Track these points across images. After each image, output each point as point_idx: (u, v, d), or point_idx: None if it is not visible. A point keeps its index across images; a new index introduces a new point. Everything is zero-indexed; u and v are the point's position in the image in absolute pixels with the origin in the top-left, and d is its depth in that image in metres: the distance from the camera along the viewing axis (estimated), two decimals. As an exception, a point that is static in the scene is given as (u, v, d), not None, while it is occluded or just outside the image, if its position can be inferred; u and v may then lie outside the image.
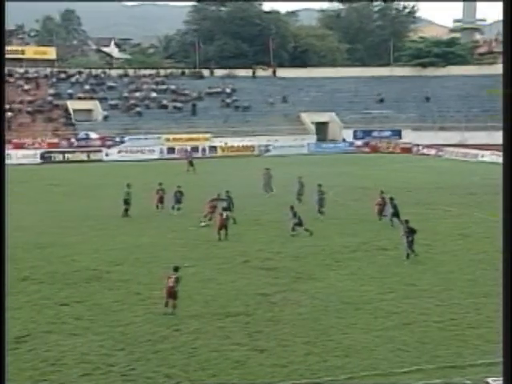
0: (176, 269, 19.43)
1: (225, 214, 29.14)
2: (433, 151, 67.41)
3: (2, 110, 14.04)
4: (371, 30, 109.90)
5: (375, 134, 74.09)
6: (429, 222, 31.96)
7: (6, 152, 61.35)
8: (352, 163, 58.30)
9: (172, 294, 18.97)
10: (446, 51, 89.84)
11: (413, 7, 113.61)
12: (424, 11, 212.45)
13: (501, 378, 14.28)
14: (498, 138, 68.91)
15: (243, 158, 63.19)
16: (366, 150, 70.55)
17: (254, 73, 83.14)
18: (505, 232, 11.84)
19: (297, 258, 25.18)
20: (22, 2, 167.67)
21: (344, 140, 73.52)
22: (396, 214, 29.98)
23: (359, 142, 72.28)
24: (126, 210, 33.52)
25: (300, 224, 28.79)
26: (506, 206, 11.66)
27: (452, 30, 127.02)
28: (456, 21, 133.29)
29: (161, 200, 34.93)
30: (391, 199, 30.92)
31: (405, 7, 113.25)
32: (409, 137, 72.97)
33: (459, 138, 72.44)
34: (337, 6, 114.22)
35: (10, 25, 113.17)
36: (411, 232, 24.68)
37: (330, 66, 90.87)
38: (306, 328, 17.88)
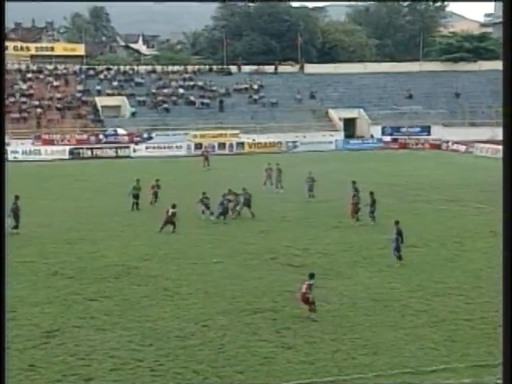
0: (312, 276, 18.66)
1: (171, 211, 29.12)
2: (463, 147, 66.64)
3: (1, 110, 14.07)
4: (401, 25, 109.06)
5: (404, 130, 73.44)
6: (459, 219, 31.71)
7: (37, 148, 62.32)
8: (380, 160, 57.91)
9: (306, 300, 18.32)
10: (477, 46, 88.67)
11: (443, 2, 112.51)
12: (454, 6, 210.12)
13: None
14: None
15: (270, 155, 63.09)
16: (395, 146, 69.91)
17: (276, 69, 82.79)
18: (505, 230, 11.66)
19: (325, 255, 25.09)
20: (51, 2, 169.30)
21: (372, 136, 73.02)
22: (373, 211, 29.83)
23: (387, 139, 71.64)
24: (137, 204, 34.04)
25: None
26: (506, 203, 11.49)
27: (483, 25, 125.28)
28: (487, 15, 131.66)
29: (155, 195, 35.32)
30: (371, 194, 30.48)
31: (434, 2, 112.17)
32: (438, 133, 72.22)
33: (490, 133, 71.49)
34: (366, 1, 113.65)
35: (40, 22, 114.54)
36: (400, 234, 23.68)
37: (359, 61, 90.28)
38: (333, 325, 17.83)
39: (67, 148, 62.96)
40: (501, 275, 21.79)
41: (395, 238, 23.69)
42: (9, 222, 28.37)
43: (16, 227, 28.56)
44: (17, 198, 29.13)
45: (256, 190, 35.31)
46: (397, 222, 24.13)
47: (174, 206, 29.64)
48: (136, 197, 34.38)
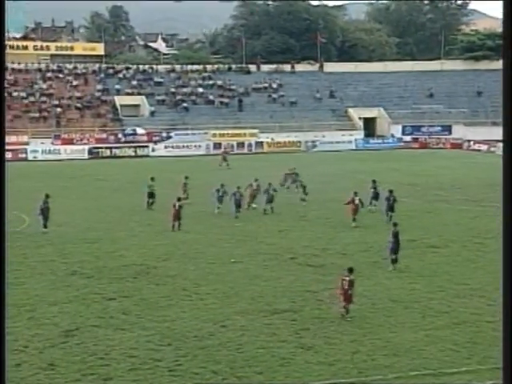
0: (350, 270, 18.52)
1: (177, 205, 29.43)
2: (484, 147, 66.05)
3: (2, 109, 14.09)
4: (422, 24, 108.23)
5: (424, 129, 72.94)
6: (480, 219, 31.41)
7: (56, 147, 62.62)
8: (400, 159, 57.56)
9: (348, 297, 18.16)
10: (500, 44, 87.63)
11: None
12: (476, 3, 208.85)
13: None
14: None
15: (289, 154, 62.93)
16: (415, 145, 69.48)
17: (292, 67, 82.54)
18: (505, 229, 11.45)
19: (344, 255, 24.94)
20: (70, 1, 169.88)
21: (392, 136, 72.59)
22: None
23: (408, 138, 71.18)
24: (152, 203, 34.16)
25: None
26: (506, 203, 11.30)
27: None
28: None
29: (186, 192, 35.78)
30: (390, 192, 31.11)
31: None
32: (459, 132, 71.62)
33: (513, 133, 70.83)
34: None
35: (59, 21, 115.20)
36: (397, 237, 23.18)
37: (379, 60, 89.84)
38: (353, 326, 17.69)
39: (86, 147, 63.27)
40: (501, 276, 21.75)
41: (393, 241, 23.15)
42: (40, 220, 28.68)
43: (45, 226, 28.76)
44: (47, 196, 29.38)
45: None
46: (395, 225, 23.67)
47: (179, 199, 29.85)
48: (151, 195, 34.41)
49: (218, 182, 34.19)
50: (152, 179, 35.09)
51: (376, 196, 33.16)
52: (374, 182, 34.09)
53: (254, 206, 34.07)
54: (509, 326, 9.84)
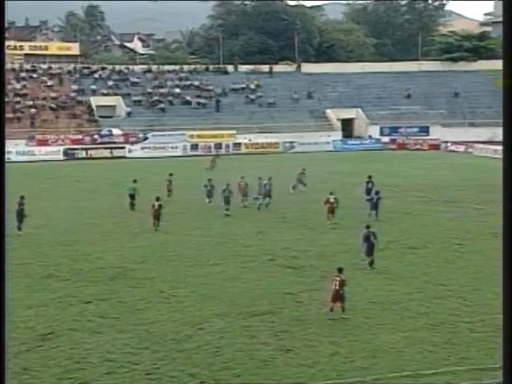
0: (340, 270, 18.55)
1: (156, 204, 29.33)
2: (462, 148, 66.52)
3: (2, 109, 13.97)
4: (399, 24, 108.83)
5: (402, 130, 73.27)
6: (458, 220, 31.57)
7: (31, 149, 62.02)
8: (378, 160, 57.73)
9: (339, 297, 18.16)
10: (477, 45, 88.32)
11: (442, 0, 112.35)
12: (453, 5, 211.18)
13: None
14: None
15: (267, 155, 62.91)
16: (393, 146, 69.78)
17: (271, 69, 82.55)
18: (505, 230, 11.49)
19: (323, 257, 24.92)
20: (45, 1, 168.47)
21: (370, 137, 72.87)
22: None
23: (386, 139, 71.46)
24: (133, 205, 34.05)
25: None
26: (506, 203, 11.34)
27: (482, 24, 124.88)
28: (486, 14, 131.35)
29: (169, 190, 36.52)
30: (376, 192, 31.75)
31: (434, 0, 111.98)
32: (437, 133, 72.05)
33: (490, 134, 71.35)
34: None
35: (34, 21, 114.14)
36: (368, 239, 23.08)
37: (357, 61, 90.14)
38: (332, 328, 17.67)
39: (61, 148, 62.75)
40: (501, 276, 21.84)
41: (366, 244, 23.09)
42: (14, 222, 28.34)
43: (19, 228, 28.43)
44: (22, 198, 29.09)
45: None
46: (368, 227, 23.60)
47: (158, 199, 29.79)
48: (132, 197, 34.30)
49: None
50: (134, 181, 34.91)
51: (369, 192, 33.48)
52: (369, 177, 34.71)
53: (246, 203, 34.59)
54: (509, 326, 9.85)
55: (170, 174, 37.70)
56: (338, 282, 18.30)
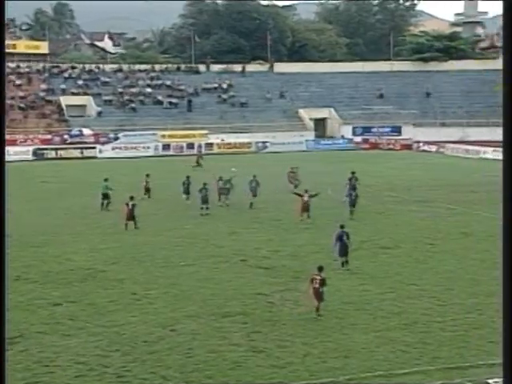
0: (320, 269, 18.44)
1: (130, 204, 29.30)
2: (434, 148, 67.08)
3: (2, 109, 13.71)
4: (371, 24, 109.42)
5: (374, 130, 73.70)
6: (430, 220, 31.71)
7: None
8: (351, 160, 57.78)
9: (319, 295, 18.13)
10: (448, 45, 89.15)
11: (413, 0, 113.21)
12: (424, 5, 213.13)
13: (502, 379, 14.07)
14: (500, 134, 69.04)
15: (240, 155, 62.81)
16: (365, 146, 70.16)
17: (243, 68, 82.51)
18: (505, 230, 11.52)
19: (295, 257, 24.86)
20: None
21: (343, 137, 73.14)
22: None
23: (358, 139, 71.83)
24: (107, 204, 33.83)
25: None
26: (506, 203, 11.36)
27: (453, 24, 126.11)
28: (457, 14, 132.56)
29: (147, 190, 36.64)
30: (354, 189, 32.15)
31: (405, 0, 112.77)
32: (409, 133, 72.62)
33: (461, 134, 72.12)
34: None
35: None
36: (341, 239, 23.03)
37: (329, 60, 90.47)
38: (304, 328, 17.59)
39: (31, 149, 62.10)
40: (472, 277, 21.99)
41: (340, 244, 23.05)
42: None
43: None
44: None
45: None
46: (342, 227, 23.56)
47: (132, 198, 29.56)
48: (106, 197, 33.98)
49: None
50: (106, 180, 34.66)
51: (354, 188, 33.82)
52: (352, 173, 35.19)
53: (227, 202, 34.69)
54: (509, 325, 9.84)
55: (147, 175, 37.57)
56: (318, 281, 18.23)
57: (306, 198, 30.83)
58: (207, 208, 32.86)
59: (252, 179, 35.51)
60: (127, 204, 29.47)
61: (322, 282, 18.22)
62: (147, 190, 36.89)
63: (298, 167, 41.64)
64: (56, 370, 15.18)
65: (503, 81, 11.50)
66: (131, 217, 29.33)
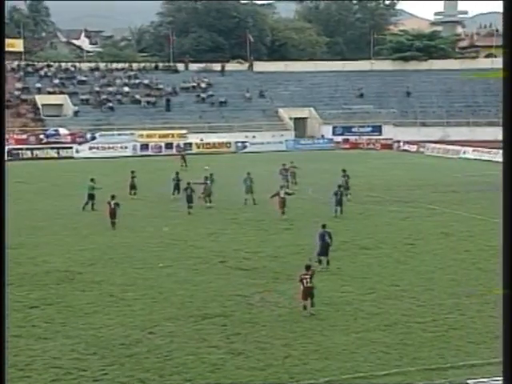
0: (308, 267, 18.56)
1: (113, 203, 29.19)
2: (414, 147, 67.30)
3: (1, 109, 13.48)
4: (351, 23, 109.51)
5: (355, 130, 73.75)
6: (411, 220, 31.73)
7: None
8: (331, 160, 57.83)
9: (310, 294, 18.21)
10: (428, 45, 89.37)
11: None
12: (404, 4, 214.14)
13: (482, 380, 14.06)
14: (480, 133, 69.84)
15: (219, 155, 62.59)
16: (346, 146, 70.20)
17: (222, 67, 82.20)
18: (505, 231, 11.43)
19: (275, 258, 24.72)
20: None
21: (323, 136, 73.13)
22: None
23: (338, 139, 71.82)
24: (93, 205, 33.54)
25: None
26: (506, 203, 11.26)
27: (433, 23, 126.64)
28: (437, 13, 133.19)
29: (133, 187, 36.60)
30: (339, 187, 32.29)
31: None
32: (390, 133, 72.76)
33: (441, 133, 72.46)
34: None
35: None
36: (323, 239, 22.98)
37: (309, 59, 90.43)
38: (284, 330, 17.46)
39: (5, 149, 61.22)
40: (452, 277, 21.99)
41: (322, 243, 22.98)
42: None
43: None
44: None
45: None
46: (323, 226, 23.48)
47: (113, 197, 29.49)
48: (91, 197, 33.68)
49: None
50: (92, 180, 34.41)
51: (347, 187, 34.50)
52: (344, 171, 35.83)
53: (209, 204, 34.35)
54: (509, 325, 9.75)
55: (132, 172, 37.60)
56: (307, 280, 18.22)
57: (282, 195, 31.11)
58: (191, 207, 32.77)
59: (246, 177, 35.60)
60: (109, 203, 29.28)
61: (311, 280, 18.30)
62: (132, 187, 36.67)
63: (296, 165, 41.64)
64: (32, 374, 14.98)
65: (503, 80, 11.44)
66: (114, 215, 29.13)
